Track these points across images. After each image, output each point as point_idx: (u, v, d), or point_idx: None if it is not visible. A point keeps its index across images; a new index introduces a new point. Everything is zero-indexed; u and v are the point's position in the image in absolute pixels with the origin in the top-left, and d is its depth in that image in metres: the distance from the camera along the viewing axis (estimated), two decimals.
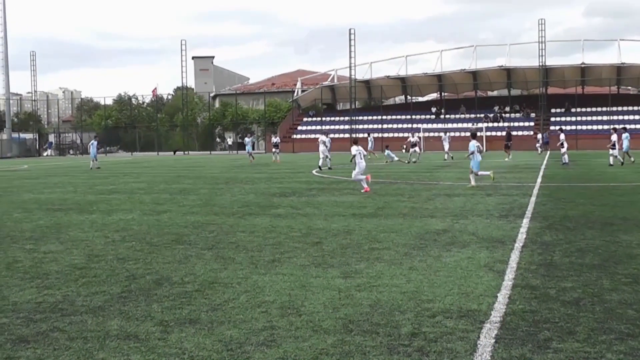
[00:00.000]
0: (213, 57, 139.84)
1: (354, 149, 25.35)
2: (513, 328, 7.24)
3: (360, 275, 10.03)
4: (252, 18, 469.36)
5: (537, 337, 6.94)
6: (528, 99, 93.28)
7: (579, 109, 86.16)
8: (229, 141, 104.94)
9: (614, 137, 40.02)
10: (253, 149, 55.91)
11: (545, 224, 15.21)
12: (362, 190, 23.43)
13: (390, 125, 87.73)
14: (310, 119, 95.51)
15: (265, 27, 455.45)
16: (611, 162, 38.79)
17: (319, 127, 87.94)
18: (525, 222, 15.50)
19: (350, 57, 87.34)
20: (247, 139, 48.82)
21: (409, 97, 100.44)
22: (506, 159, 48.44)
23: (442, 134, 58.47)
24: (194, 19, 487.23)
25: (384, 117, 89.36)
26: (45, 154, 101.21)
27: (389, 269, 10.41)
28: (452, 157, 50.20)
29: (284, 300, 8.61)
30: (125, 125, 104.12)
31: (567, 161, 40.84)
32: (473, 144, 25.77)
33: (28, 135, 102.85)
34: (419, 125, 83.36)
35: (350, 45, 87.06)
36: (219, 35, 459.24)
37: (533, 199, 20.54)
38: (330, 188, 26.06)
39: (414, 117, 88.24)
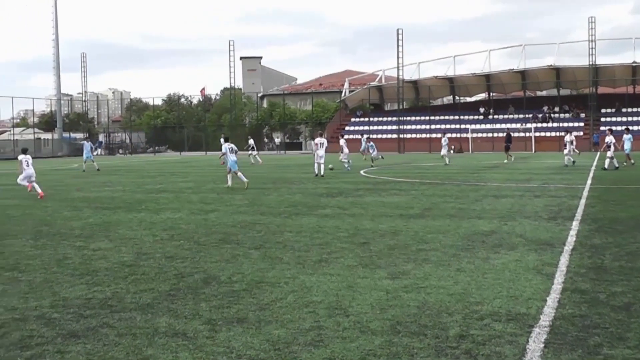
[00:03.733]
0: (261, 57, 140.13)
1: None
2: (562, 333, 7.17)
3: (408, 276, 10.01)
4: (298, 18, 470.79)
5: (587, 342, 6.86)
6: (577, 98, 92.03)
7: (629, 109, 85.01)
8: (277, 141, 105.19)
9: (609, 139, 38.84)
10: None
11: (594, 226, 15.04)
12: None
13: (438, 126, 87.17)
14: (357, 119, 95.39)
15: (311, 27, 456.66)
16: (606, 166, 37.11)
17: (366, 128, 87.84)
18: (575, 224, 15.33)
19: (398, 58, 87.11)
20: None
21: (456, 98, 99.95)
22: (505, 161, 47.55)
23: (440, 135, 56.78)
24: (241, 19, 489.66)
25: (432, 117, 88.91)
26: (95, 153, 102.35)
27: (437, 271, 10.38)
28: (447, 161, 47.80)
29: (331, 300, 8.63)
30: (173, 125, 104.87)
31: (609, 166, 37.40)
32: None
33: (78, 135, 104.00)
34: (468, 126, 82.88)
35: (398, 46, 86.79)
36: (267, 36, 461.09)
37: (582, 201, 20.30)
38: (377, 188, 26.02)
39: (461, 117, 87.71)
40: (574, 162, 41.89)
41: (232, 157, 27.96)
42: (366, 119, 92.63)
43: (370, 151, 47.46)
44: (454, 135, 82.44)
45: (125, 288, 9.65)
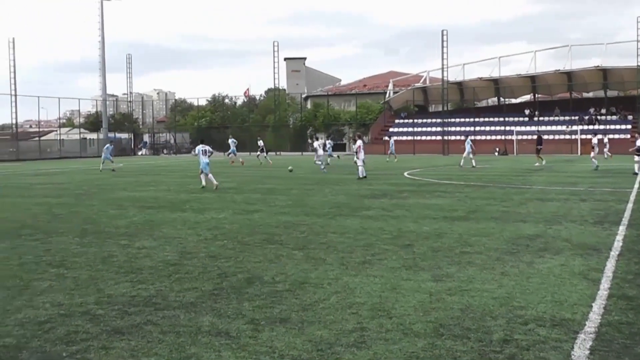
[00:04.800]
0: (305, 58, 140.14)
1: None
2: (608, 340, 7.08)
3: (451, 279, 9.96)
4: (342, 19, 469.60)
5: (634, 350, 6.77)
6: (625, 100, 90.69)
7: None
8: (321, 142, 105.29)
9: (596, 140, 37.84)
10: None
11: None
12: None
13: (482, 128, 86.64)
14: (401, 120, 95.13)
15: (355, 28, 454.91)
16: (636, 170, 35.29)
17: (410, 129, 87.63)
18: (622, 229, 15.15)
19: (442, 59, 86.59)
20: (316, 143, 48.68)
21: (501, 99, 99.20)
22: (537, 164, 46.88)
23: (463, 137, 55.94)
24: (285, 20, 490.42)
25: (477, 119, 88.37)
26: (140, 153, 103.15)
27: (481, 274, 10.32)
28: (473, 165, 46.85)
29: (374, 302, 8.62)
30: (217, 125, 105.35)
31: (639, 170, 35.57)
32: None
33: (123, 135, 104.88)
34: (513, 128, 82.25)
35: (442, 47, 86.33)
36: (311, 37, 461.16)
37: (630, 205, 20.05)
38: (421, 190, 25.93)
39: (506, 119, 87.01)
40: (597, 166, 40.88)
41: (204, 159, 28.77)
42: (410, 121, 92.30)
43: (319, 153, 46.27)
44: (498, 137, 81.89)
45: (169, 286, 9.73)
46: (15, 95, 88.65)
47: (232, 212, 19.10)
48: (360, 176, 32.99)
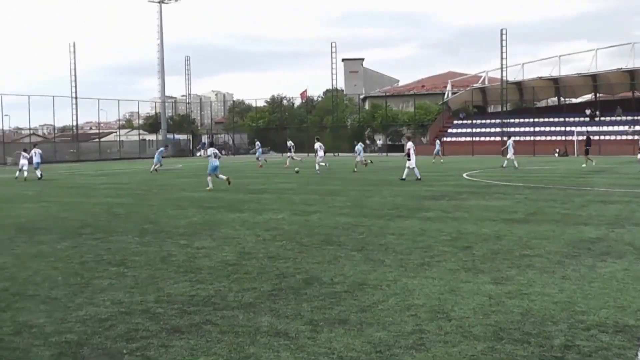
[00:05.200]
0: (363, 59, 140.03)
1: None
2: None
3: (511, 282, 9.85)
4: (400, 20, 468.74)
5: None
6: None
7: None
8: (379, 143, 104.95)
9: None
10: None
11: None
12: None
13: (542, 128, 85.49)
14: (460, 121, 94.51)
15: (413, 28, 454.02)
16: None
17: (469, 130, 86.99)
18: None
19: (501, 58, 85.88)
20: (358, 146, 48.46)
21: (561, 99, 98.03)
22: (584, 165, 45.98)
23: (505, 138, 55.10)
24: (343, 21, 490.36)
25: (536, 119, 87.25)
26: (198, 154, 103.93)
27: (541, 277, 10.18)
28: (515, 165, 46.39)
29: (433, 304, 8.57)
30: (275, 126, 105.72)
31: None
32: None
33: (182, 136, 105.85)
34: (573, 129, 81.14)
35: (501, 46, 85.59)
36: (368, 37, 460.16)
37: None
38: (481, 192, 25.72)
39: (567, 119, 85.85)
40: None
41: (215, 162, 29.72)
42: (469, 122, 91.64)
43: (358, 157, 46.01)
44: (558, 137, 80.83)
45: (228, 286, 9.78)
46: (76, 98, 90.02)
47: (290, 213, 19.15)
48: (401, 177, 32.84)
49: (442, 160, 56.47)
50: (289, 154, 55.82)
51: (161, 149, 51.15)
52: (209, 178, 29.52)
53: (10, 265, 12.09)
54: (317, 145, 44.93)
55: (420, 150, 65.03)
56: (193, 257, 12.29)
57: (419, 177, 32.62)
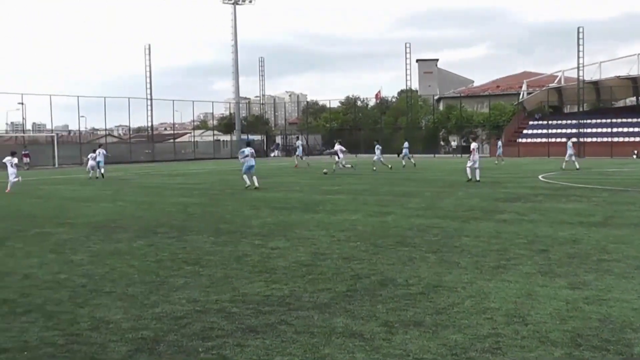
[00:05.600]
0: (437, 59, 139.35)
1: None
2: None
3: (589, 287, 9.67)
4: (474, 19, 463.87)
5: None
6: None
7: None
8: (453, 144, 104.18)
9: None
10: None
11: None
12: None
13: (620, 129, 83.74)
14: (536, 122, 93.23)
15: (488, 28, 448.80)
16: None
17: (544, 131, 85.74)
18: None
19: (578, 57, 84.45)
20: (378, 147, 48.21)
21: None
22: None
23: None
24: (417, 21, 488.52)
25: (614, 120, 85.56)
26: (272, 154, 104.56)
27: (620, 283, 9.96)
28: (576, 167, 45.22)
29: (509, 307, 8.46)
30: (349, 127, 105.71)
31: None
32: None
33: (256, 137, 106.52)
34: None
35: (578, 45, 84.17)
36: (443, 38, 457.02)
37: None
38: (557, 194, 25.32)
39: None
40: None
41: (250, 162, 30.46)
42: (544, 122, 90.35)
43: (339, 156, 45.70)
44: (637, 139, 79.18)
45: (303, 287, 9.80)
46: (151, 99, 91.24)
47: (365, 214, 19.12)
48: (476, 179, 32.47)
49: (503, 162, 55.74)
50: (297, 153, 56.36)
51: (242, 149, 51.32)
52: (245, 176, 30.35)
53: (87, 263, 12.33)
54: (338, 147, 45.40)
55: (494, 152, 64.42)
56: (267, 257, 12.36)
57: (477, 178, 32.34)
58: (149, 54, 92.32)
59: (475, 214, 18.77)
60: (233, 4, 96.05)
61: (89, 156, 44.23)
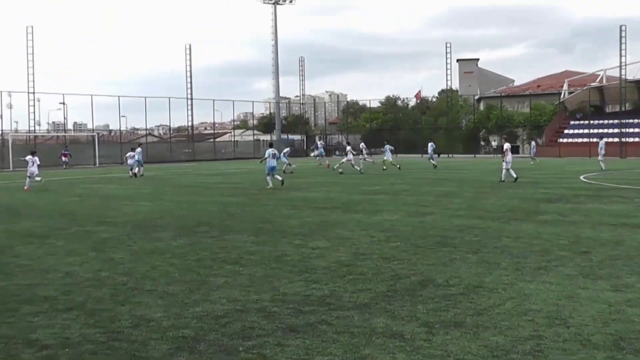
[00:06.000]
0: (477, 59, 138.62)
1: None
2: None
3: (632, 289, 9.55)
4: (514, 19, 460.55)
5: None
6: None
7: None
8: (494, 144, 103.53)
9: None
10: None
11: None
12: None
13: None
14: (577, 122, 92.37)
15: (528, 27, 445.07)
16: None
17: (586, 131, 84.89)
18: None
19: (620, 56, 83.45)
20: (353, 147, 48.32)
21: None
22: None
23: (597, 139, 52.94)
24: (458, 21, 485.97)
25: None
26: (312, 154, 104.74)
27: None
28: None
29: (550, 309, 8.39)
30: (390, 127, 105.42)
31: None
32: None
33: (296, 137, 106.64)
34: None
35: (620, 43, 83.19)
36: (484, 37, 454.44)
37: None
38: (598, 195, 25.05)
39: None
40: None
41: (272, 162, 31.16)
42: (586, 122, 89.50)
43: (316, 153, 45.74)
44: None
45: (343, 287, 9.80)
46: (191, 99, 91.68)
47: (405, 214, 19.06)
48: (505, 179, 32.38)
49: (533, 162, 55.30)
50: (318, 153, 56.52)
51: (287, 149, 51.39)
52: (268, 177, 30.75)
53: (127, 261, 12.43)
54: (349, 148, 45.94)
55: (537, 152, 63.90)
56: (308, 257, 12.37)
57: (503, 179, 32.20)
58: (190, 54, 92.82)
59: (516, 214, 18.63)
60: (273, 3, 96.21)
61: (127, 155, 45.10)
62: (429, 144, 54.69)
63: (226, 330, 7.71)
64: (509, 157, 32.77)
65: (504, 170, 32.58)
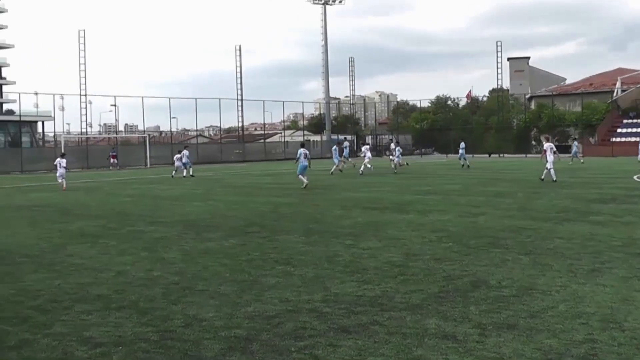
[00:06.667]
0: (529, 57, 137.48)
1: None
2: None
3: None
4: (565, 16, 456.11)
5: None
6: None
7: None
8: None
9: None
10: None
11: None
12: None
13: None
14: (630, 120, 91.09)
15: (579, 24, 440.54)
16: None
17: (639, 130, 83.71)
18: None
19: None
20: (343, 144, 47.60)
21: None
22: None
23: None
24: (508, 19, 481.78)
25: None
26: (361, 154, 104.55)
27: None
28: None
29: (605, 312, 8.27)
30: (440, 127, 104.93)
31: None
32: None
33: (348, 137, 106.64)
34: None
35: None
36: (535, 35, 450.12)
37: None
38: None
39: None
40: None
41: (304, 162, 32.17)
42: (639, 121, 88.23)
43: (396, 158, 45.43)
44: None
45: (395, 287, 9.78)
46: (242, 100, 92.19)
47: (456, 214, 18.95)
48: (545, 178, 32.32)
49: (581, 161, 54.61)
50: (344, 154, 56.40)
51: (334, 147, 51.15)
52: (300, 176, 31.60)
53: (179, 261, 12.53)
54: (364, 147, 46.39)
55: (589, 152, 63.32)
56: (359, 258, 12.36)
57: (554, 178, 31.93)
58: (240, 55, 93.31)
59: (569, 215, 18.42)
60: (323, 4, 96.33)
61: (175, 157, 45.95)
62: (461, 144, 54.25)
63: (278, 330, 7.74)
64: (550, 157, 32.68)
65: (545, 170, 32.64)
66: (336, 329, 7.74)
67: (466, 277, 10.45)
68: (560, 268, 11.08)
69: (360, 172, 43.25)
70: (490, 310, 8.38)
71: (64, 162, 36.66)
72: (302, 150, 32.77)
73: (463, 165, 49.79)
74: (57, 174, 36.35)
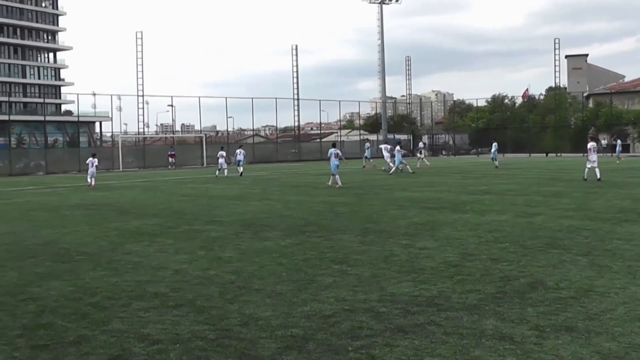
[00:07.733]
0: (587, 55, 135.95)
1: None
2: None
3: None
4: (624, 12, 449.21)
5: None
6: None
7: None
8: (603, 143, 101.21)
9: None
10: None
11: None
12: None
13: None
14: None
15: (638, 20, 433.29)
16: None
17: None
18: None
19: None
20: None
21: None
22: None
23: None
24: (566, 16, 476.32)
25: None
26: (418, 154, 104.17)
27: None
28: None
29: None
30: (496, 126, 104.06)
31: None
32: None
33: (402, 136, 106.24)
34: None
35: None
36: (593, 32, 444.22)
37: None
38: None
39: None
40: None
41: (335, 162, 33.13)
42: None
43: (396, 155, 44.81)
44: None
45: (451, 288, 9.75)
46: (298, 99, 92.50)
47: (513, 214, 18.79)
48: (588, 178, 32.00)
49: (621, 160, 53.73)
50: (365, 155, 56.54)
51: (392, 147, 50.86)
52: (335, 177, 32.31)
53: (236, 260, 12.62)
54: (397, 148, 45.34)
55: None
56: (415, 257, 12.34)
57: (599, 177, 31.50)
58: (296, 54, 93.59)
59: (628, 216, 18.15)
60: (380, 3, 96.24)
61: (219, 154, 46.87)
62: (493, 144, 53.59)
63: (335, 329, 7.76)
64: (593, 156, 32.33)
65: (586, 169, 32.51)
66: (393, 328, 7.74)
67: (523, 277, 10.37)
68: (619, 269, 10.94)
69: (390, 172, 43.22)
70: (548, 311, 8.32)
71: (95, 161, 37.86)
72: (332, 150, 33.87)
73: (497, 167, 49.11)
74: (88, 173, 37.37)
